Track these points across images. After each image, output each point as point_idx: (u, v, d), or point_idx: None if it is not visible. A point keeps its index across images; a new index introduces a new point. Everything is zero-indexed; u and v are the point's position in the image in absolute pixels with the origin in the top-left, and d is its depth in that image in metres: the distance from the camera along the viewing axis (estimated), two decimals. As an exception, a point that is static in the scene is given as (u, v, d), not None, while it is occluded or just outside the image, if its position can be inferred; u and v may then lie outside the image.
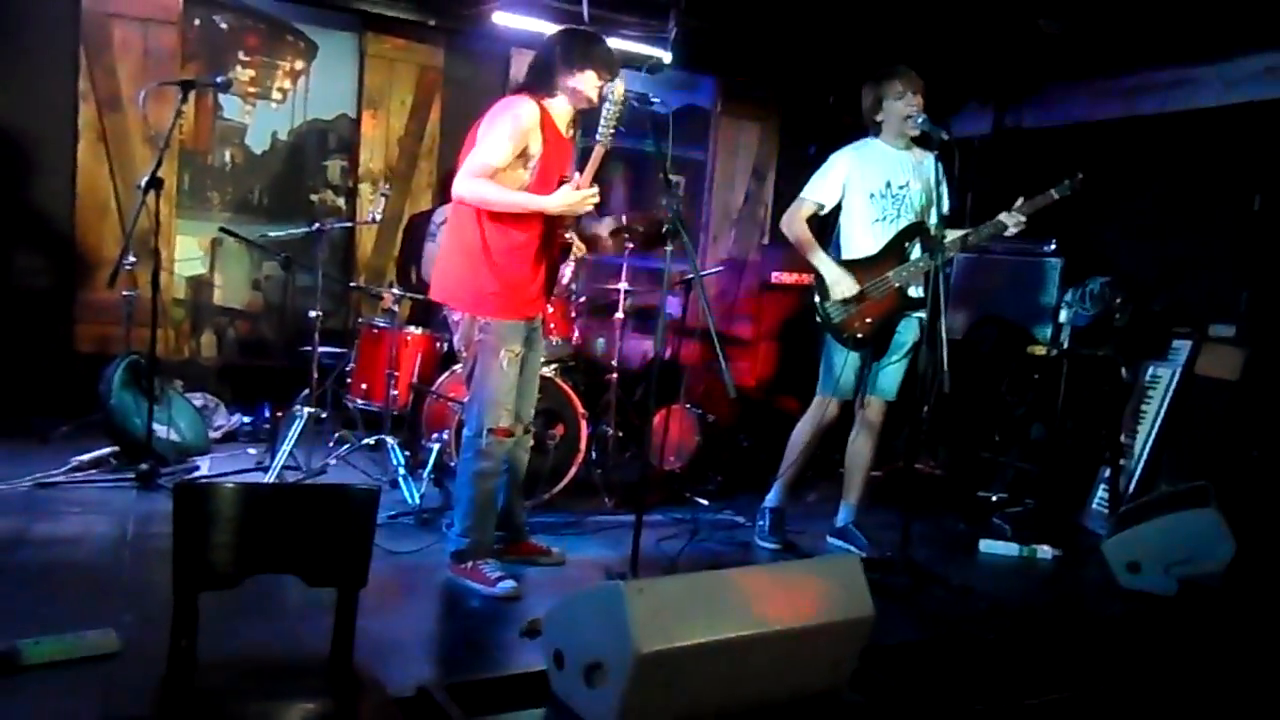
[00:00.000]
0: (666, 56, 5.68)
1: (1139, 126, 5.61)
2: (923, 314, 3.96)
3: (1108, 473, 4.88)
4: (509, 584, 3.20)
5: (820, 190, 4.02)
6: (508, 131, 3.12)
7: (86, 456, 4.19)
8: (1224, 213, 5.10)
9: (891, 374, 4.06)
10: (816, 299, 4.00)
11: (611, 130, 3.08)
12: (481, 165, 3.10)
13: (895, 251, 3.96)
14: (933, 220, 3.93)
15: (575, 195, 3.12)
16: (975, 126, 6.64)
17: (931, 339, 3.59)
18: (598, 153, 3.12)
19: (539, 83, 3.24)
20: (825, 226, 4.12)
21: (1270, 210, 4.84)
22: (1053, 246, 5.33)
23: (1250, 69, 5.05)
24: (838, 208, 4.07)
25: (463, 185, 3.13)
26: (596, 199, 3.17)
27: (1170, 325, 5.04)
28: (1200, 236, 5.24)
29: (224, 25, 5.45)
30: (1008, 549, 4.35)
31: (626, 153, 6.23)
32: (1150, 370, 4.98)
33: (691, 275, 3.31)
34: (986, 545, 4.37)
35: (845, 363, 3.99)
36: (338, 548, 2.00)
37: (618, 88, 3.10)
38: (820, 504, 4.67)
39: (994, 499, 5.12)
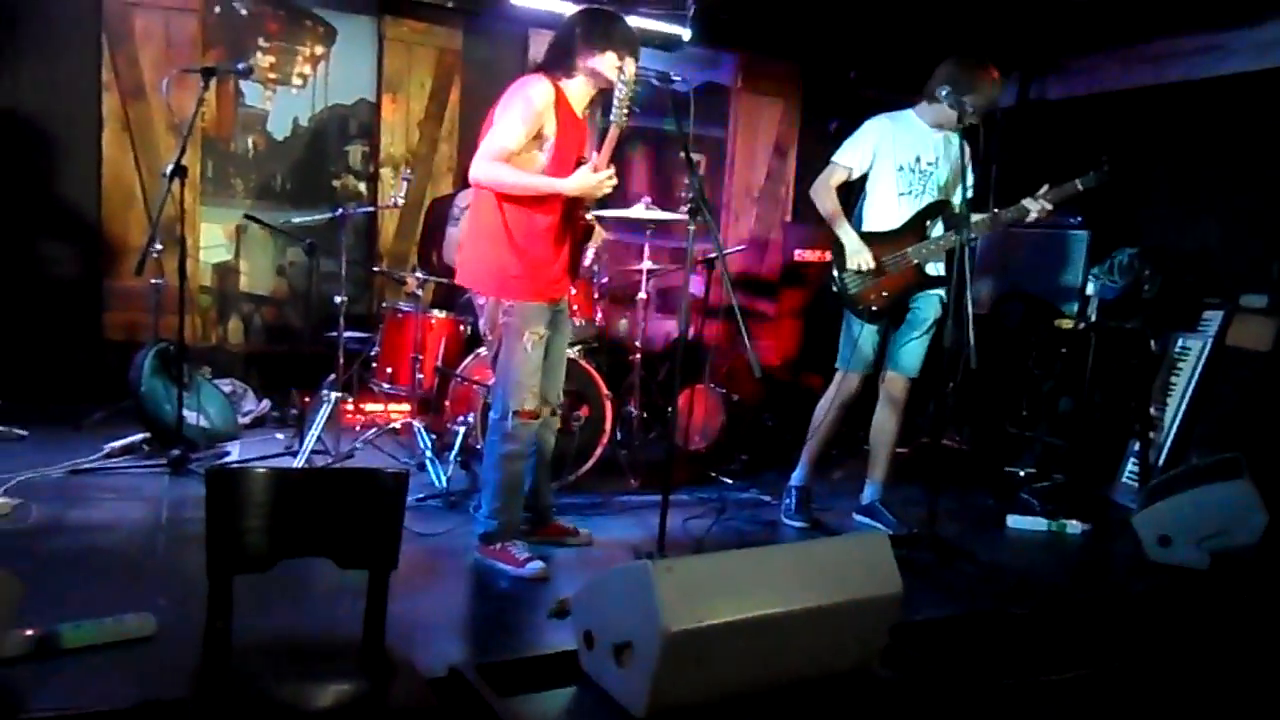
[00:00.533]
0: (686, 33, 5.64)
1: (1167, 94, 5.52)
2: (942, 291, 3.96)
3: (1137, 446, 4.84)
4: (537, 565, 3.23)
5: (852, 155, 4.00)
6: (521, 114, 3.11)
7: (119, 443, 4.24)
8: (1255, 181, 5.01)
9: (913, 350, 4.03)
10: (834, 269, 4.00)
11: (626, 111, 3.06)
12: (497, 149, 3.10)
13: (917, 228, 3.94)
14: (956, 200, 3.91)
15: (593, 177, 3.11)
16: (1000, 99, 6.56)
17: (958, 315, 3.56)
18: (613, 134, 3.11)
19: (557, 63, 3.22)
20: (850, 197, 4.09)
21: (1303, 177, 4.76)
22: (1079, 219, 5.27)
23: (1281, 33, 4.96)
24: (862, 180, 4.04)
25: (479, 169, 3.12)
26: (614, 181, 3.17)
27: (1200, 296, 4.97)
28: (1230, 205, 5.16)
29: (244, 12, 5.46)
30: (1036, 524, 4.32)
31: (647, 131, 6.20)
32: (1180, 342, 4.91)
33: (715, 254, 3.28)
34: (1015, 520, 4.35)
35: (862, 336, 3.99)
36: (368, 531, 2.02)
37: (629, 68, 3.07)
38: (846, 481, 4.66)
39: (1022, 474, 5.09)
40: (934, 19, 5.65)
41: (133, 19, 5.14)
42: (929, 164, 3.97)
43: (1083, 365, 4.86)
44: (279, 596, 2.67)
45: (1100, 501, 4.78)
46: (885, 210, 3.98)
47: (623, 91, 3.04)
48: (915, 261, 3.92)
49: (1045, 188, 3.82)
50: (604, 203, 3.37)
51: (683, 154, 3.24)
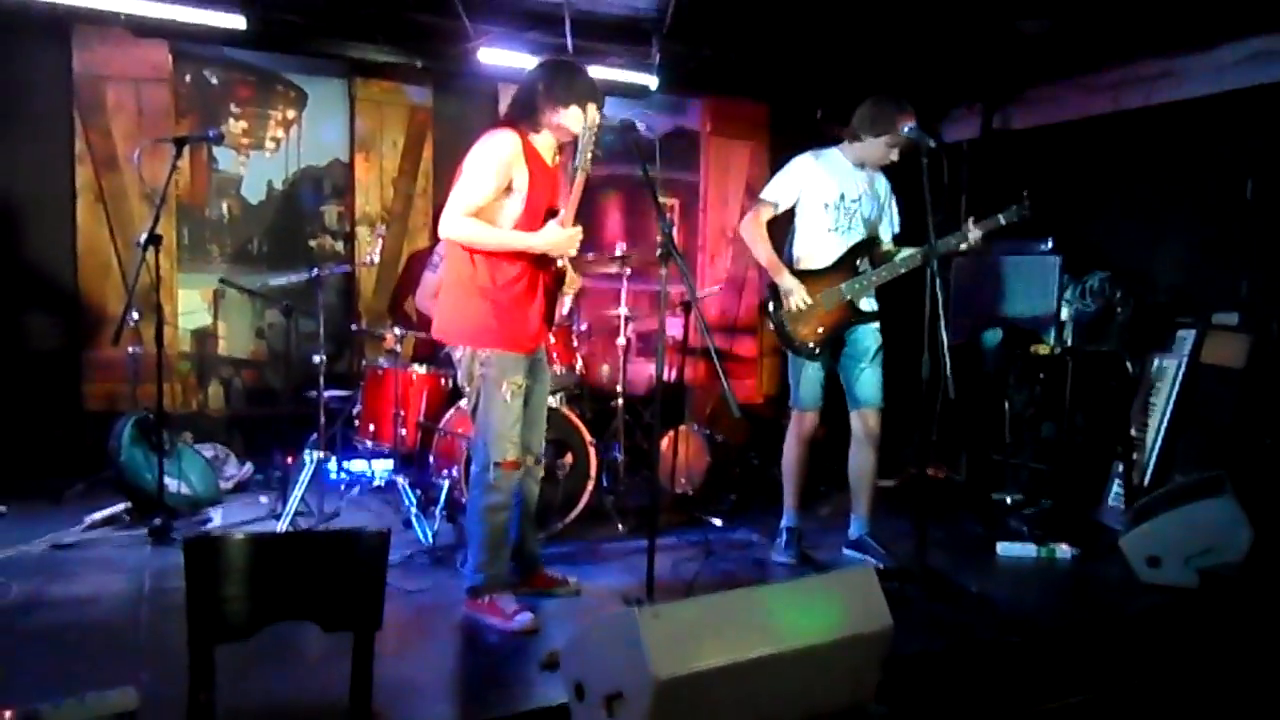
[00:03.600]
0: (653, 82, 5.73)
1: (1128, 120, 5.63)
2: (876, 324, 4.06)
3: (1121, 467, 4.86)
4: (526, 617, 3.20)
5: (778, 190, 4.08)
6: (490, 167, 3.13)
7: (99, 514, 4.20)
8: (1218, 201, 5.10)
9: (868, 381, 4.07)
10: (770, 308, 4.07)
11: (589, 157, 3.07)
12: (465, 203, 3.11)
13: (847, 265, 4.02)
14: (884, 236, 4.08)
15: (561, 234, 3.13)
16: (964, 131, 6.67)
17: (933, 346, 3.59)
18: (579, 182, 3.11)
19: (522, 117, 3.25)
20: (778, 234, 4.15)
21: (1263, 196, 4.84)
22: (1050, 245, 5.33)
23: (1234, 56, 5.07)
24: (789, 218, 4.11)
25: (449, 225, 3.13)
26: (580, 238, 3.19)
27: (1173, 316, 5.03)
28: (1197, 226, 5.24)
29: (214, 80, 5.52)
30: (1026, 550, 4.33)
31: (620, 178, 6.26)
32: (1156, 362, 4.96)
33: (689, 297, 3.30)
34: (1004, 548, 4.35)
35: (806, 374, 4.07)
36: (351, 592, 2.01)
37: (592, 114, 3.10)
38: (835, 517, 4.65)
39: (1009, 501, 5.10)
40: (896, 56, 5.77)
41: (105, 91, 5.18)
42: (853, 200, 4.05)
43: (1062, 390, 4.90)
44: (264, 663, 2.64)
45: (1088, 524, 4.79)
46: (815, 246, 4.05)
47: (586, 138, 3.06)
48: (848, 298, 3.99)
49: (971, 220, 3.87)
50: (581, 249, 3.38)
51: (652, 199, 3.26)
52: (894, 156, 3.98)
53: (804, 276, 4.01)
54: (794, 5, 5.26)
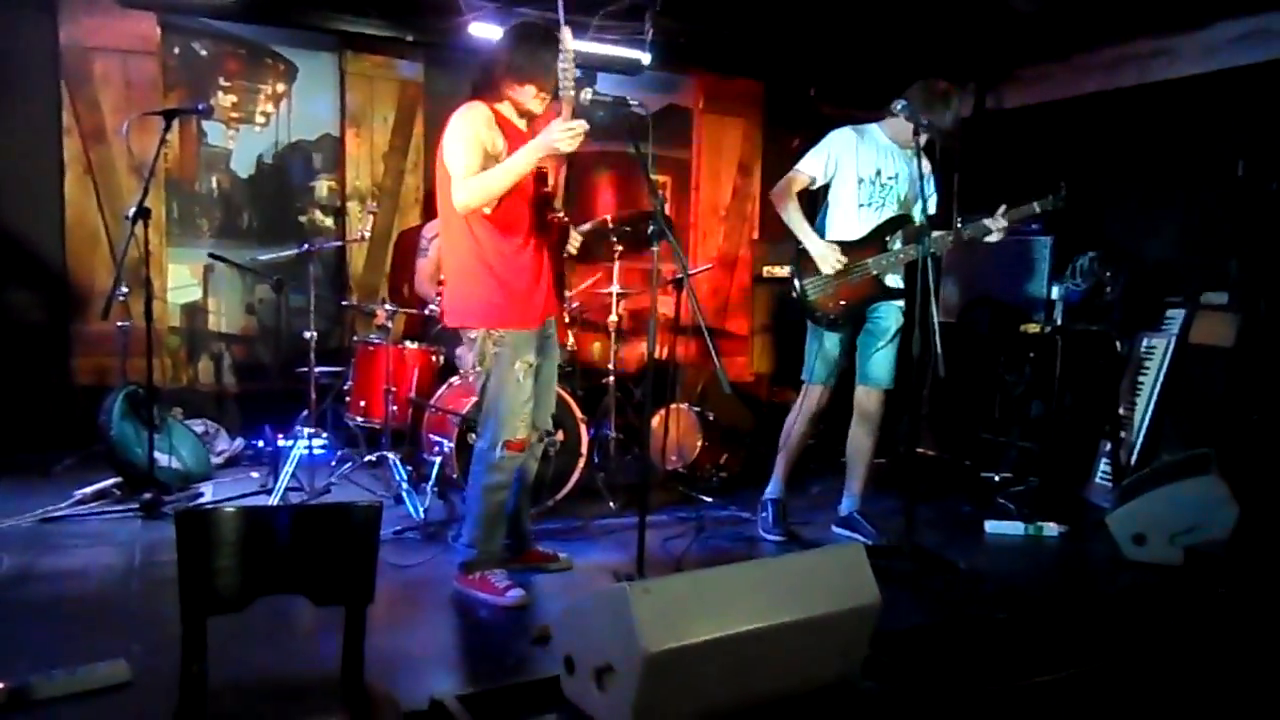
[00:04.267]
0: (646, 58, 5.69)
1: (1121, 99, 5.62)
2: (901, 302, 4.04)
3: (1109, 446, 4.90)
4: (517, 593, 3.21)
5: (814, 164, 4.04)
6: (467, 139, 3.12)
7: (90, 489, 4.20)
8: (1209, 180, 5.11)
9: (881, 362, 4.08)
10: (795, 276, 4.05)
11: (571, 83, 2.97)
12: (465, 171, 3.09)
13: (877, 240, 4.01)
14: (916, 215, 3.98)
15: (559, 128, 3.00)
16: (954, 122, 6.65)
17: (924, 324, 3.60)
18: (567, 108, 3.00)
19: (485, 88, 3.24)
20: (812, 209, 4.14)
21: (1254, 176, 4.85)
22: (1040, 224, 5.34)
23: (1228, 35, 5.07)
24: (824, 192, 4.09)
25: (461, 194, 3.08)
26: (582, 132, 3.02)
27: (1163, 296, 5.05)
28: (1187, 205, 5.25)
29: (203, 52, 5.46)
30: (1014, 528, 4.36)
31: (612, 155, 6.24)
32: (1145, 341, 4.99)
33: (681, 275, 3.29)
34: (993, 526, 4.38)
35: (826, 347, 4.05)
36: (342, 566, 2.01)
37: (565, 38, 2.95)
38: (824, 495, 4.68)
39: (998, 479, 5.13)
40: (890, 34, 5.74)
41: (92, 63, 5.12)
42: (889, 178, 4.03)
43: (1051, 369, 4.92)
44: (255, 636, 2.65)
45: (1076, 502, 4.83)
46: (846, 221, 4.04)
47: (565, 62, 2.96)
48: (874, 273, 3.98)
49: (1004, 207, 3.88)
50: (574, 221, 3.36)
51: (644, 176, 3.25)
52: (925, 136, 3.86)
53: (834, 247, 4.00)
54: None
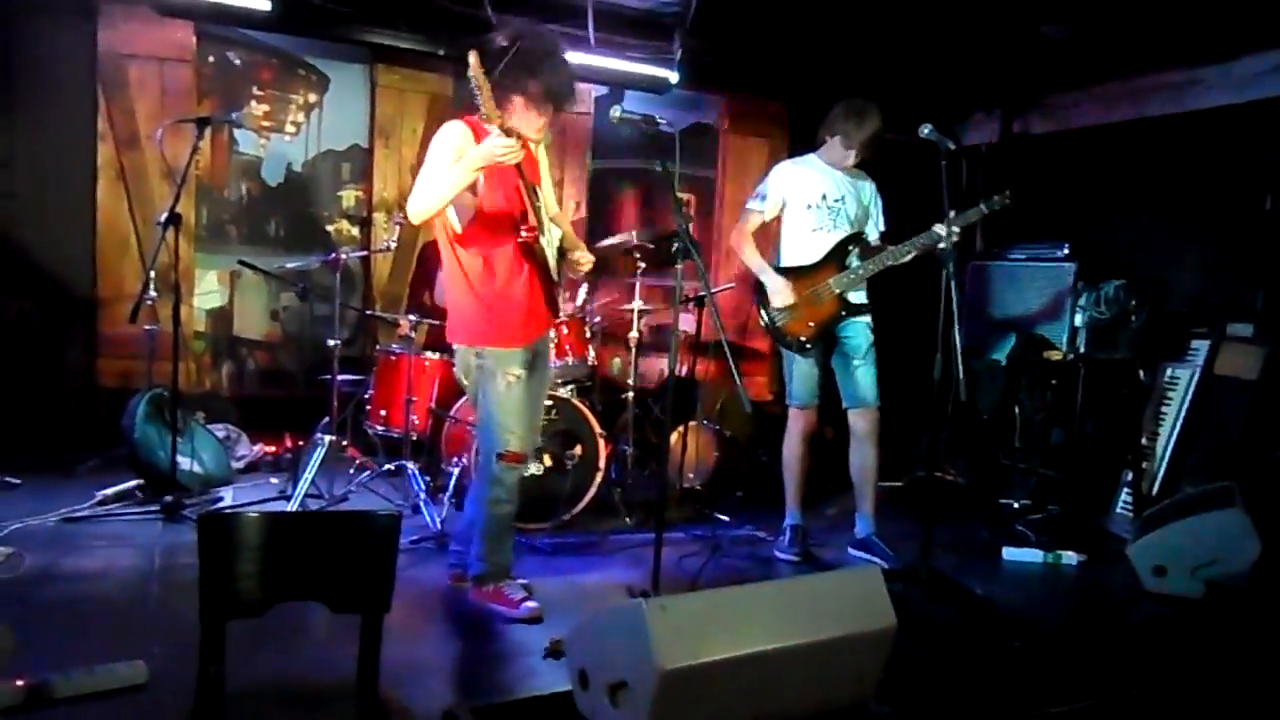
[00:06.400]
0: (673, 77, 5.72)
1: (1148, 128, 5.60)
2: (868, 319, 4.15)
3: (1130, 476, 4.85)
4: (532, 605, 3.22)
5: (762, 200, 4.22)
6: (438, 157, 3.13)
7: (112, 490, 4.24)
8: (1236, 212, 5.08)
9: (863, 381, 4.12)
10: (761, 308, 4.17)
11: (489, 99, 2.87)
12: (418, 186, 3.11)
13: (836, 260, 4.12)
14: (871, 237, 4.19)
15: (492, 143, 2.94)
16: (983, 135, 6.65)
17: (946, 348, 3.60)
18: (496, 119, 2.93)
19: (471, 108, 3.11)
20: (768, 241, 4.30)
21: (1282, 208, 4.83)
22: (1066, 251, 5.32)
23: (1258, 68, 5.04)
24: (779, 223, 4.24)
25: (410, 209, 3.12)
26: (515, 149, 2.95)
27: (1188, 326, 5.01)
28: (1214, 236, 5.22)
29: (237, 62, 5.54)
30: (1032, 556, 4.33)
31: (637, 172, 6.27)
32: (1169, 371, 4.95)
33: (704, 292, 3.30)
34: (1010, 553, 4.35)
35: (801, 371, 4.15)
36: (361, 574, 2.02)
37: (472, 62, 2.82)
38: (841, 516, 4.66)
39: (1017, 506, 5.09)
40: (916, 57, 5.75)
41: (128, 70, 5.21)
42: (836, 200, 4.16)
43: (1073, 396, 4.89)
44: (273, 642, 2.66)
45: (1095, 532, 4.78)
46: (801, 246, 4.17)
47: (475, 82, 2.84)
48: (838, 291, 4.08)
49: (952, 213, 3.86)
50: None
51: (671, 195, 3.25)
52: (851, 160, 4.11)
53: (794, 273, 4.13)
54: (816, 5, 5.26)
